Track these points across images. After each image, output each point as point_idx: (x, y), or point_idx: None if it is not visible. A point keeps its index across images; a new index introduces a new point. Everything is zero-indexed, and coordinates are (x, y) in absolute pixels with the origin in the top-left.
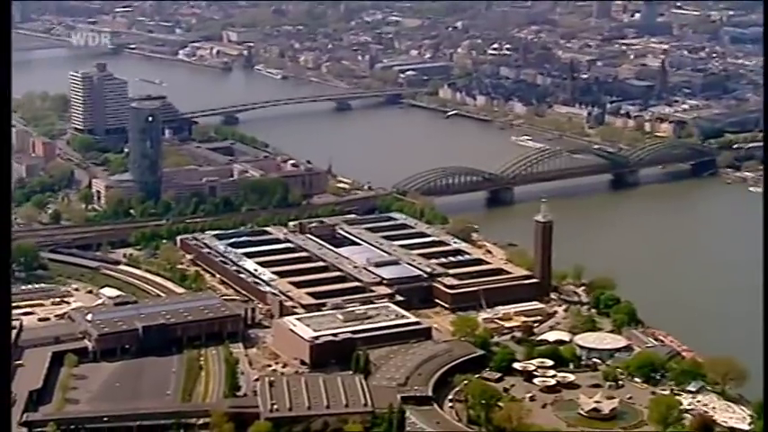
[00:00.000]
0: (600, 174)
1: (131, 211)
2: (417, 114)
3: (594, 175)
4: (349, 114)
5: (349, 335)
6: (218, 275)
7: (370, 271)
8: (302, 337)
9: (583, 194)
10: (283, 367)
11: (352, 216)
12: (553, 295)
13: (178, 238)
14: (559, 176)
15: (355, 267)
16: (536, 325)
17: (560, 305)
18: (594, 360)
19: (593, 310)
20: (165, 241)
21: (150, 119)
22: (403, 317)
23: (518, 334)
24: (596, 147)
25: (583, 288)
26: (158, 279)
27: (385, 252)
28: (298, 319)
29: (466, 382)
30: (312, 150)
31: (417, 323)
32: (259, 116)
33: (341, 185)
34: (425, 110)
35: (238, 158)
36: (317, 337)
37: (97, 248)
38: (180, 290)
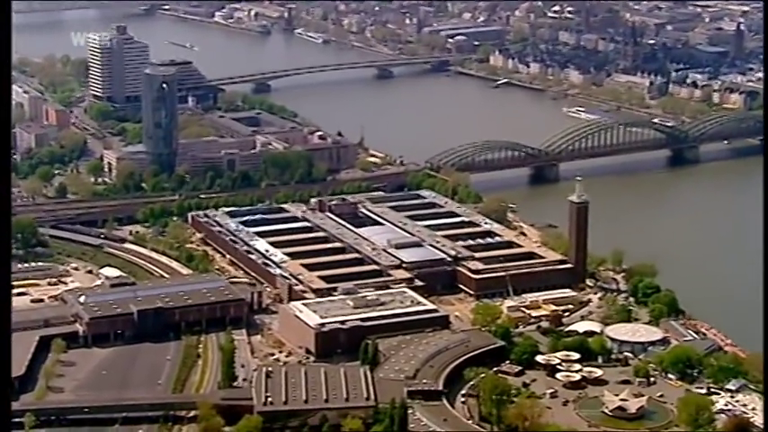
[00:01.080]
0: (656, 149)
1: (143, 185)
2: (464, 83)
3: (650, 151)
4: (390, 83)
5: (358, 322)
6: (228, 256)
7: (389, 253)
8: (307, 325)
9: (636, 172)
10: (287, 356)
11: (379, 194)
12: (589, 282)
13: (190, 214)
14: (611, 152)
15: (374, 249)
16: (566, 314)
17: (596, 293)
18: (626, 354)
19: (631, 299)
20: (175, 218)
21: (165, 86)
22: (419, 304)
23: (545, 324)
24: (656, 119)
25: (622, 275)
26: (164, 259)
27: (408, 233)
28: (305, 304)
29: (482, 375)
30: (346, 121)
31: (434, 311)
32: (293, 84)
33: (372, 160)
34: (473, 78)
35: (263, 129)
36: (322, 325)
37: (102, 225)
38: (186, 271)
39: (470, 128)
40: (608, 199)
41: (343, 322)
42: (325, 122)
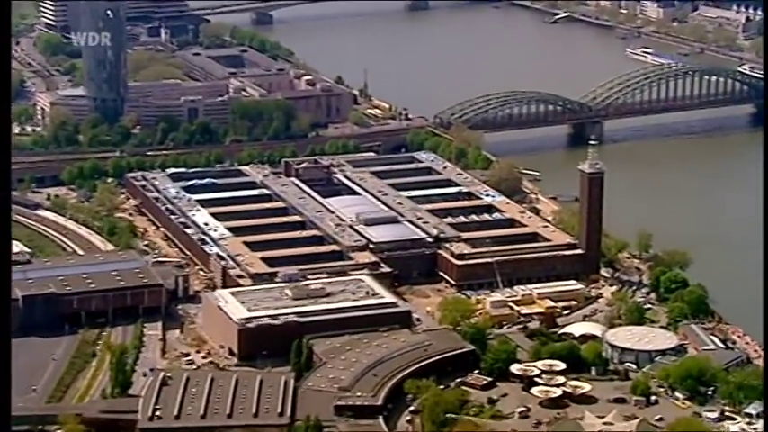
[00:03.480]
0: (737, 104)
1: (79, 137)
2: (516, 17)
3: (728, 107)
4: (424, 16)
5: (294, 318)
6: (162, 229)
7: (355, 231)
8: (230, 319)
9: (705, 133)
10: (205, 357)
11: (369, 155)
12: (606, 272)
13: (128, 176)
14: (674, 107)
15: (338, 225)
16: (566, 312)
17: (612, 285)
18: (627, 365)
19: (653, 295)
20: (110, 180)
21: (109, 14)
22: (376, 295)
23: (535, 324)
24: (745, 66)
25: (648, 264)
26: (83, 231)
27: (386, 206)
28: (233, 293)
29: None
30: (356, 63)
31: (393, 305)
32: (302, 15)
33: (373, 111)
34: (528, 11)
35: (245, 71)
36: (248, 320)
37: (17, 186)
38: (109, 247)
39: (507, 74)
40: (657, 167)
41: (274, 317)
42: (328, 64)
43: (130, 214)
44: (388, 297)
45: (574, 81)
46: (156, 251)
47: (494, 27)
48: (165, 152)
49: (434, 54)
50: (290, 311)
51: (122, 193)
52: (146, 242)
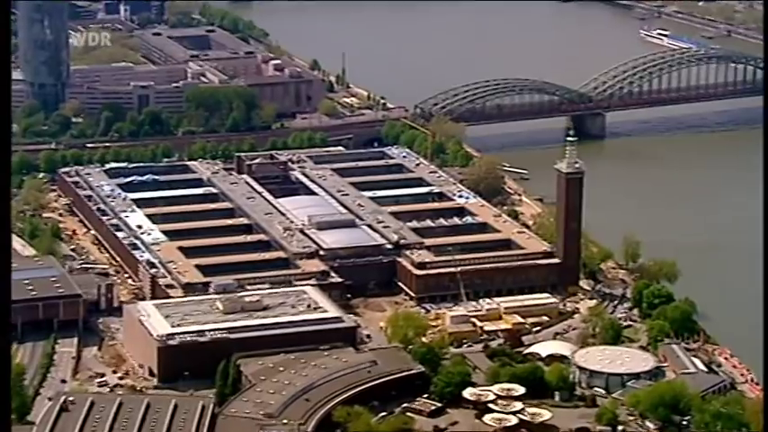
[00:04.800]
0: (757, 95)
1: (12, 126)
2: None
3: (748, 97)
4: None
5: (224, 334)
6: (93, 231)
7: (306, 235)
8: (151, 335)
9: (720, 127)
10: (121, 378)
11: (335, 149)
12: (587, 284)
13: (60, 171)
14: (684, 98)
15: (287, 230)
16: (535, 330)
17: (592, 299)
18: (596, 389)
19: (636, 310)
20: (41, 175)
21: None
22: (318, 309)
23: (498, 342)
24: None
25: (634, 275)
26: None
27: (345, 207)
28: (157, 305)
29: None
30: (336, 46)
31: (337, 320)
32: None
33: (349, 100)
34: None
35: (209, 54)
36: (170, 336)
37: None
38: (30, 251)
39: (506, 59)
40: (661, 165)
41: (201, 333)
42: (306, 47)
43: (60, 214)
44: (333, 311)
45: (578, 67)
46: (84, 257)
47: (499, 6)
48: (107, 144)
49: (426, 37)
50: (219, 327)
51: (53, 191)
52: (72, 246)
